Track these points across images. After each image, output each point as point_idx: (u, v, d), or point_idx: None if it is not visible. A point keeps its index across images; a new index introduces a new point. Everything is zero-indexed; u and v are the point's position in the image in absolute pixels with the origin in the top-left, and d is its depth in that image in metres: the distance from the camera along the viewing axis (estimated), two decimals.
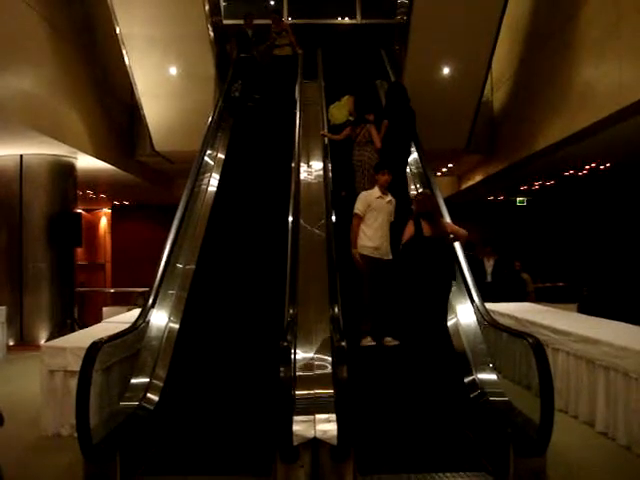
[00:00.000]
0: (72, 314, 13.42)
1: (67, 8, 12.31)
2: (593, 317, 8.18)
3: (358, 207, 7.22)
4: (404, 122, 9.29)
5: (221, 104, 12.03)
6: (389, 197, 7.39)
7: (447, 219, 7.71)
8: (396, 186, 8.02)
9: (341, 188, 9.08)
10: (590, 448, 5.87)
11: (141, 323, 6.37)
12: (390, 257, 7.21)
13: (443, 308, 6.89)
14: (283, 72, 13.15)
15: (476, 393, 5.99)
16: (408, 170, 9.72)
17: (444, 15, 12.01)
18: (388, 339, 7.03)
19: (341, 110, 10.52)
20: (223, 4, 15.24)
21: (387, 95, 9.95)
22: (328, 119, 10.67)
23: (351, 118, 10.00)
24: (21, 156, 12.85)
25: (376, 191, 7.35)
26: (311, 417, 4.51)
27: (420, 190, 9.37)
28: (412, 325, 6.94)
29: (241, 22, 13.33)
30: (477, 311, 6.71)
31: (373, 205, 7.21)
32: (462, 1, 11.87)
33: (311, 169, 9.70)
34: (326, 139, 9.99)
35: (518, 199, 21.81)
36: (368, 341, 6.95)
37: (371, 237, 7.11)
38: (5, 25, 9.78)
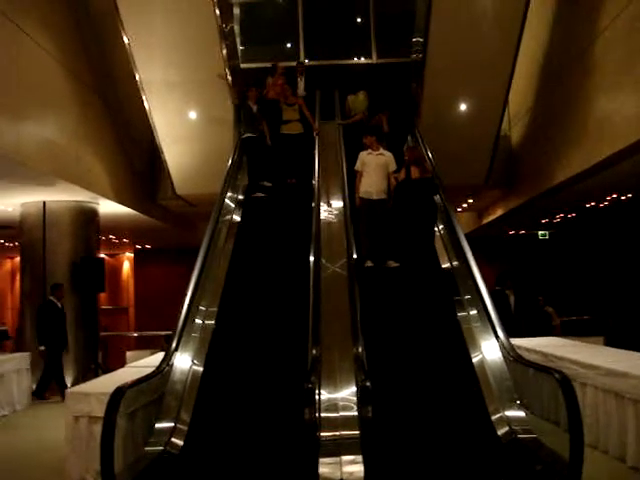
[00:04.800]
0: (96, 359, 13.44)
1: (87, 56, 12.56)
2: (620, 350, 8.08)
3: (356, 164, 9.45)
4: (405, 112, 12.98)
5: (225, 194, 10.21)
6: (379, 151, 9.42)
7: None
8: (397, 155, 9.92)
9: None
10: None
11: (165, 367, 6.35)
12: (382, 197, 9.21)
13: (430, 233, 9.35)
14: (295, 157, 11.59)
15: (504, 430, 5.91)
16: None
17: (459, 52, 12.08)
18: (390, 262, 8.95)
19: (361, 102, 13.04)
20: (240, 48, 15.46)
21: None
22: (350, 107, 13.09)
23: (366, 112, 12.85)
24: (44, 202, 13.01)
25: (367, 150, 9.46)
26: (337, 459, 4.46)
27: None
28: (407, 249, 9.05)
29: (263, 65, 13.44)
30: (502, 347, 6.64)
31: (365, 160, 9.35)
32: (477, 37, 11.95)
33: (331, 208, 9.78)
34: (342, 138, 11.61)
35: (540, 232, 21.71)
36: (368, 263, 8.86)
37: (364, 184, 9.24)
38: (27, 74, 9.99)
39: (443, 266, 9.13)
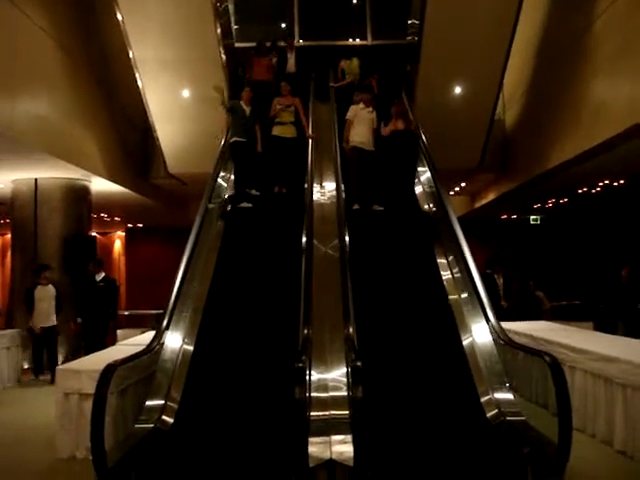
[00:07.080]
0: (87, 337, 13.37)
1: (82, 34, 12.48)
2: (610, 335, 8.12)
3: (348, 115, 10.26)
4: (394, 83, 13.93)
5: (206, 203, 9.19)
6: (369, 109, 10.28)
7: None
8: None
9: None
10: (609, 467, 5.80)
11: (155, 345, 6.35)
12: (370, 148, 10.08)
13: (411, 177, 10.59)
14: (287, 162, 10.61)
15: (493, 413, 5.93)
16: (421, 189, 10.78)
17: (455, 35, 12.04)
18: (375, 206, 9.86)
19: (355, 66, 13.96)
20: (235, 27, 15.37)
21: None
22: (342, 69, 14.08)
23: (357, 77, 13.81)
24: (36, 180, 12.94)
25: (360, 105, 10.29)
26: (327, 438, 4.46)
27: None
28: (390, 193, 10.09)
29: (253, 44, 13.35)
30: (493, 330, 6.65)
31: (357, 113, 10.19)
32: (473, 21, 11.90)
33: (324, 190, 9.80)
34: (338, 146, 10.91)
35: (532, 217, 21.75)
36: (356, 206, 9.70)
37: (356, 134, 10.07)
38: (22, 51, 9.91)
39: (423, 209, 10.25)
